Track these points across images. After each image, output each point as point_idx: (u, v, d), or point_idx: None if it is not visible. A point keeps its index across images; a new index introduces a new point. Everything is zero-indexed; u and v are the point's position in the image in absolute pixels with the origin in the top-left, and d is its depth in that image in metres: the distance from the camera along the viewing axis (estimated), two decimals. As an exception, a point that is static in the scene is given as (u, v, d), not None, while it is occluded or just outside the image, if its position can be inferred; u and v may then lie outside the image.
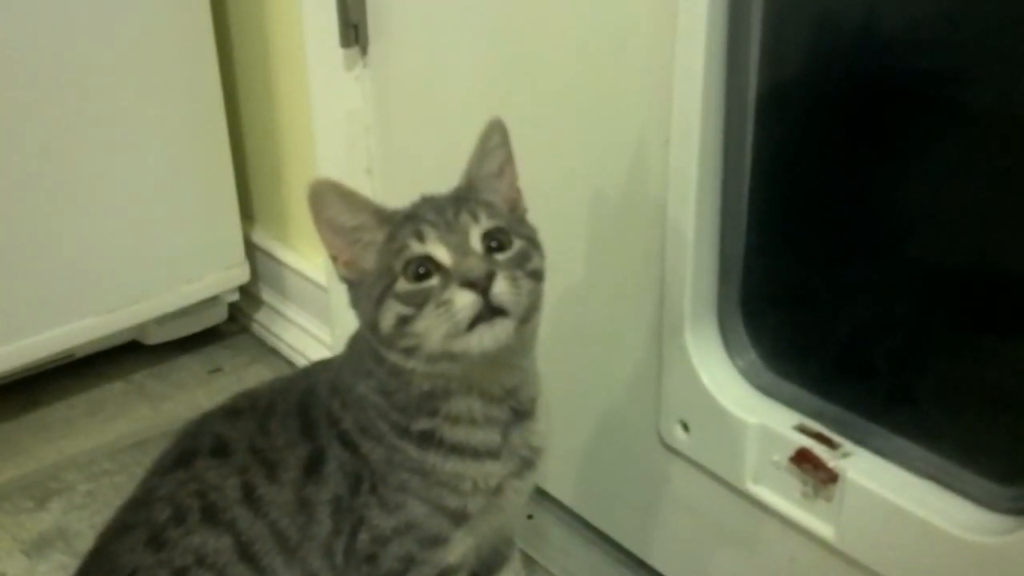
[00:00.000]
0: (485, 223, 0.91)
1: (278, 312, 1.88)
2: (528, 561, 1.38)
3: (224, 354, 1.87)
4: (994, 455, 0.98)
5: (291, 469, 0.98)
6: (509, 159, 0.97)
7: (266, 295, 1.90)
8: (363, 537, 0.97)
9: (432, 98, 1.43)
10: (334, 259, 0.94)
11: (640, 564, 1.34)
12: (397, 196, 1.42)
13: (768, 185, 1.09)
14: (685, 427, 1.18)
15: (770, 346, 1.14)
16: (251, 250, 1.86)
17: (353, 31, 1.49)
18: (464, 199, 0.94)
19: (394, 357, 0.91)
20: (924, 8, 0.94)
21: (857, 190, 1.03)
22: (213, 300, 1.83)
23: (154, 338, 1.83)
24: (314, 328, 1.80)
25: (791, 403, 1.11)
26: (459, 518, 0.98)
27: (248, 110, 1.82)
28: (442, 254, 0.88)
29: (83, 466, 1.61)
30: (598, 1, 1.15)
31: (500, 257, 0.91)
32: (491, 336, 0.87)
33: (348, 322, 1.66)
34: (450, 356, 0.89)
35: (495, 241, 0.91)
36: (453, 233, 0.89)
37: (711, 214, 1.11)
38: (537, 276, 0.93)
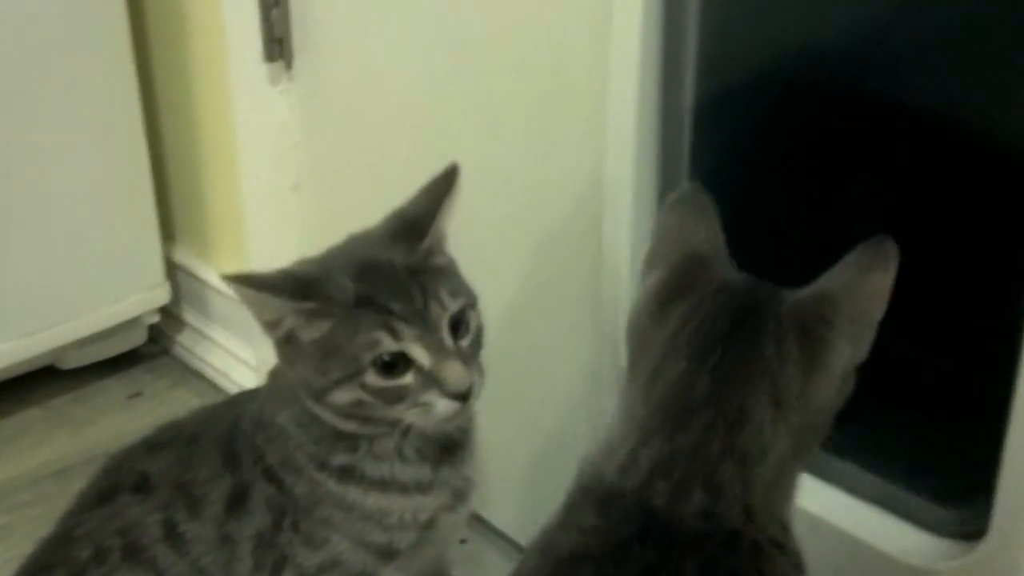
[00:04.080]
0: (451, 306, 0.89)
1: (201, 333, 1.85)
2: (464, 589, 1.35)
3: (145, 378, 1.83)
4: (940, 477, 0.97)
5: (214, 504, 0.95)
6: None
7: (188, 316, 1.87)
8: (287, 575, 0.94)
9: (361, 113, 1.42)
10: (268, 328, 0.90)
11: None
12: (326, 213, 1.52)
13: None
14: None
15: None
16: (172, 270, 1.82)
17: (277, 45, 1.47)
18: (420, 270, 0.90)
19: (327, 415, 0.90)
20: (857, 14, 0.94)
21: (797, 199, 1.03)
22: (133, 322, 1.79)
23: (71, 362, 1.79)
24: (239, 349, 1.77)
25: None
26: (387, 555, 0.95)
27: (169, 126, 1.79)
28: (420, 354, 0.87)
29: (0, 497, 1.56)
30: (532, 15, 1.14)
31: (464, 343, 0.90)
32: (462, 418, 0.90)
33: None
34: (406, 430, 0.90)
35: (460, 324, 0.90)
36: (429, 331, 0.87)
37: (647, 234, 1.06)
38: (482, 338, 0.93)
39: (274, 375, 0.99)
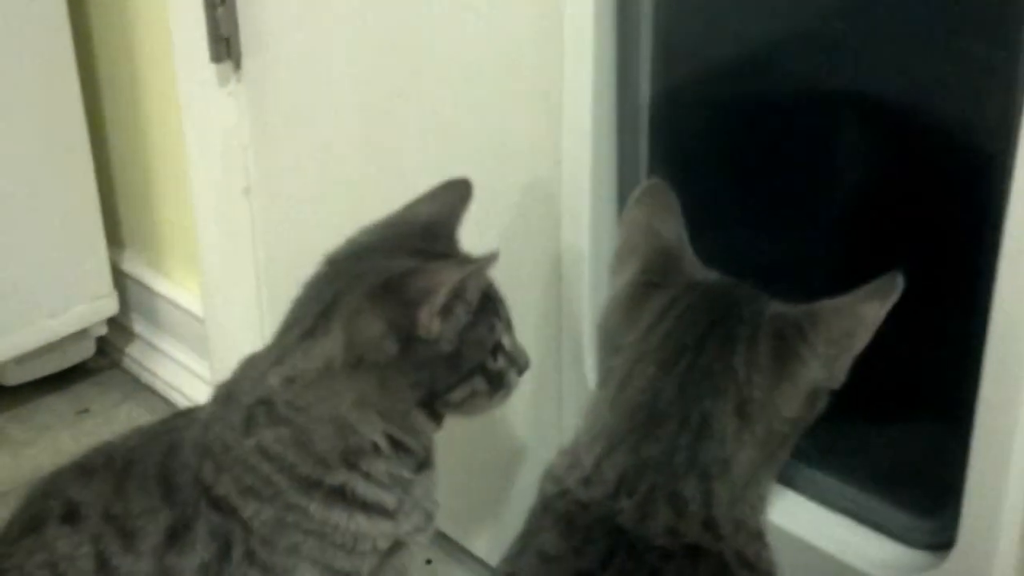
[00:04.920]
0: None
1: (152, 345, 1.82)
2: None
3: (93, 392, 1.79)
4: (909, 487, 0.97)
5: (150, 536, 0.91)
6: None
7: (138, 327, 1.84)
8: None
9: (312, 114, 1.40)
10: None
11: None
12: (278, 216, 1.49)
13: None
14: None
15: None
16: (120, 279, 1.79)
17: (225, 45, 1.43)
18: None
19: (416, 421, 0.92)
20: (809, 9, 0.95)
21: (755, 201, 1.02)
22: (79, 334, 1.76)
23: (14, 378, 1.74)
24: (191, 362, 1.75)
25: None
26: None
27: (114, 128, 1.76)
28: (505, 339, 0.93)
29: (-66, 522, 1.51)
30: (485, 15, 1.13)
31: None
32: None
33: (227, 355, 1.61)
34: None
35: None
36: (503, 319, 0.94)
37: (607, 239, 1.08)
38: None
39: (227, 395, 0.95)
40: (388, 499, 0.92)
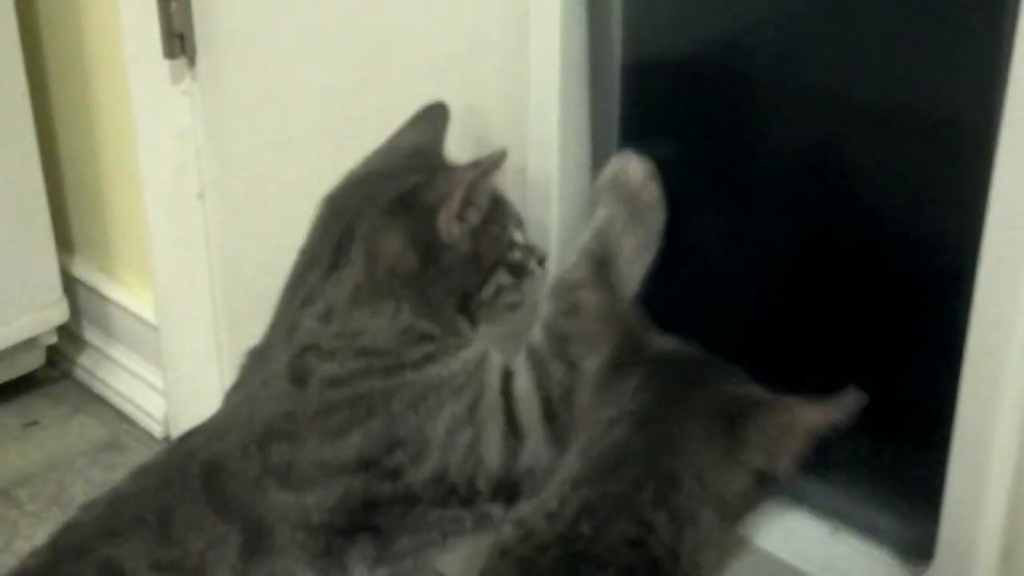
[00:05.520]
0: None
1: (104, 355, 1.79)
2: None
3: (42, 404, 1.76)
4: (889, 499, 0.97)
5: (226, 560, 0.90)
6: None
7: (90, 336, 1.82)
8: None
9: (269, 113, 1.38)
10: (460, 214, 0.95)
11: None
12: (234, 221, 1.47)
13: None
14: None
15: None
16: (71, 285, 1.77)
17: (178, 41, 1.42)
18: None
19: (459, 320, 0.96)
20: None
21: (727, 198, 1.03)
22: (28, 343, 1.74)
23: None
24: (146, 372, 1.72)
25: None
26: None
27: (64, 128, 1.74)
28: (518, 235, 0.98)
29: None
30: (448, 10, 1.12)
31: None
32: None
33: (182, 365, 1.60)
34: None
35: None
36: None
37: (573, 232, 1.07)
38: None
39: (262, 381, 0.94)
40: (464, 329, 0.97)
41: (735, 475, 0.80)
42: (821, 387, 0.79)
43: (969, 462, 0.83)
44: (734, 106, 1.00)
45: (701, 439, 0.80)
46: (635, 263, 0.97)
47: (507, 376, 0.94)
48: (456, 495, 0.91)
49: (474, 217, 0.94)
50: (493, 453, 0.91)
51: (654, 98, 1.06)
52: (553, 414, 0.91)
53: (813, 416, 0.78)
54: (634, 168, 0.98)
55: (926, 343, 0.92)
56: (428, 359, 0.93)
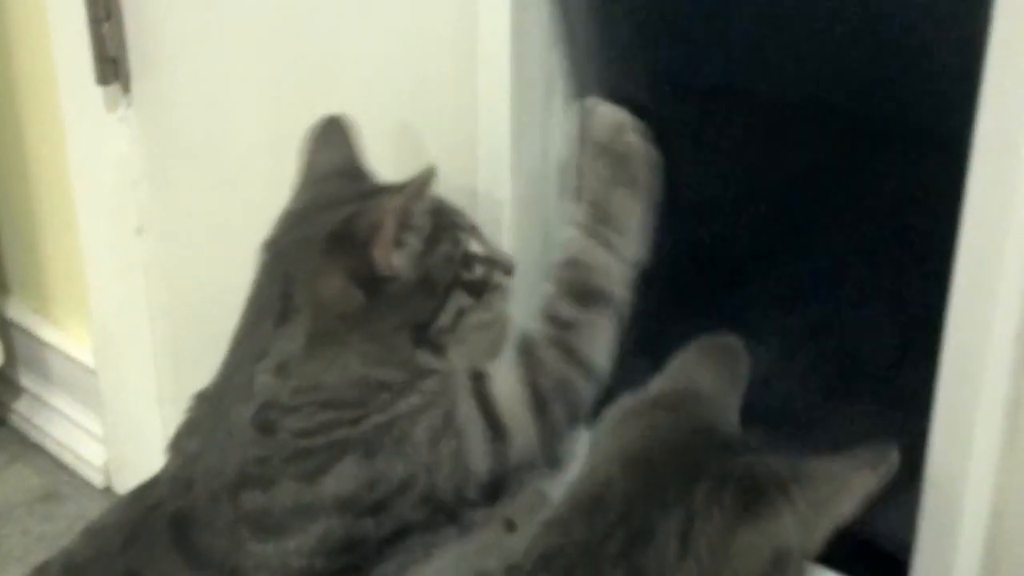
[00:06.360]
0: None
1: (41, 400, 1.76)
2: None
3: None
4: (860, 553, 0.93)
5: None
6: None
7: (26, 381, 1.79)
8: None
9: (213, 139, 1.35)
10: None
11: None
12: (174, 258, 1.42)
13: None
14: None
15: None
16: (5, 327, 1.75)
17: (112, 65, 1.39)
18: None
19: (422, 359, 0.91)
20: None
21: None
22: None
23: None
24: (84, 419, 1.68)
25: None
26: None
27: None
28: (477, 247, 0.94)
29: None
30: (396, 32, 1.11)
31: None
32: None
33: (122, 410, 1.54)
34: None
35: None
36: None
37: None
38: None
39: (216, 426, 0.91)
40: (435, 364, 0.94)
41: (744, 547, 0.73)
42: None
43: (940, 519, 0.82)
44: (684, 122, 0.98)
45: (705, 498, 0.74)
46: (630, 218, 0.92)
47: (478, 378, 0.90)
48: (443, 512, 0.88)
49: (415, 241, 0.90)
50: (479, 459, 0.88)
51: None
52: (542, 404, 0.88)
53: (865, 479, 0.73)
54: (600, 117, 0.93)
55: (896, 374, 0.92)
56: (396, 399, 0.89)
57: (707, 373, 0.84)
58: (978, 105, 0.73)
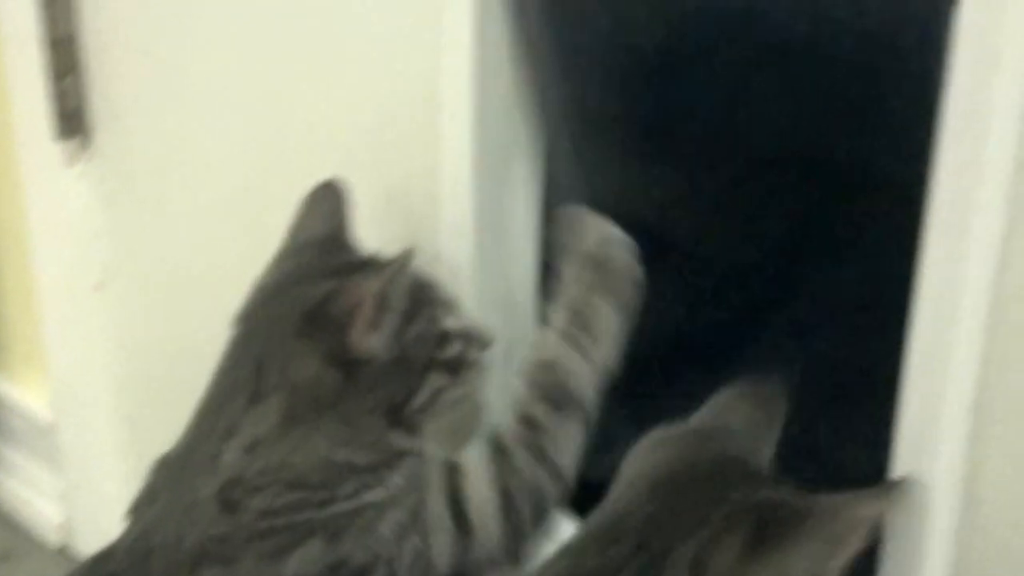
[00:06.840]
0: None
1: None
2: None
3: None
4: None
5: None
6: None
7: None
8: None
9: (173, 196, 1.34)
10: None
11: None
12: (135, 316, 1.41)
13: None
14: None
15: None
16: None
17: (72, 120, 1.38)
18: None
19: (395, 438, 0.90)
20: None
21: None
22: None
23: None
24: (41, 476, 1.66)
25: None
26: None
27: None
28: (451, 322, 0.93)
29: None
30: (359, 87, 1.11)
31: None
32: None
33: (82, 467, 1.52)
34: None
35: None
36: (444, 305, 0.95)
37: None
38: None
39: (177, 500, 0.89)
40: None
41: None
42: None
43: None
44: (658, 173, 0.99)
45: (712, 535, 0.73)
46: (609, 327, 0.93)
47: (452, 472, 0.90)
48: None
49: (391, 321, 0.89)
50: (443, 556, 0.87)
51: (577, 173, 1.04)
52: (511, 507, 0.87)
53: (873, 508, 0.74)
54: (589, 227, 0.94)
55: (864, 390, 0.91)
56: (363, 488, 0.88)
57: (743, 412, 0.84)
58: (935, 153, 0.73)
